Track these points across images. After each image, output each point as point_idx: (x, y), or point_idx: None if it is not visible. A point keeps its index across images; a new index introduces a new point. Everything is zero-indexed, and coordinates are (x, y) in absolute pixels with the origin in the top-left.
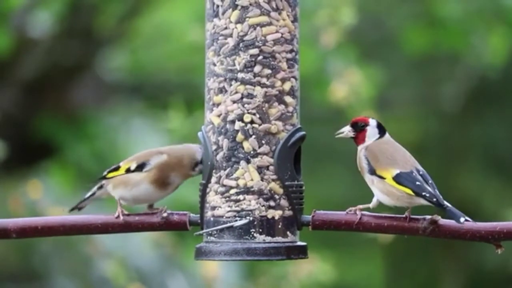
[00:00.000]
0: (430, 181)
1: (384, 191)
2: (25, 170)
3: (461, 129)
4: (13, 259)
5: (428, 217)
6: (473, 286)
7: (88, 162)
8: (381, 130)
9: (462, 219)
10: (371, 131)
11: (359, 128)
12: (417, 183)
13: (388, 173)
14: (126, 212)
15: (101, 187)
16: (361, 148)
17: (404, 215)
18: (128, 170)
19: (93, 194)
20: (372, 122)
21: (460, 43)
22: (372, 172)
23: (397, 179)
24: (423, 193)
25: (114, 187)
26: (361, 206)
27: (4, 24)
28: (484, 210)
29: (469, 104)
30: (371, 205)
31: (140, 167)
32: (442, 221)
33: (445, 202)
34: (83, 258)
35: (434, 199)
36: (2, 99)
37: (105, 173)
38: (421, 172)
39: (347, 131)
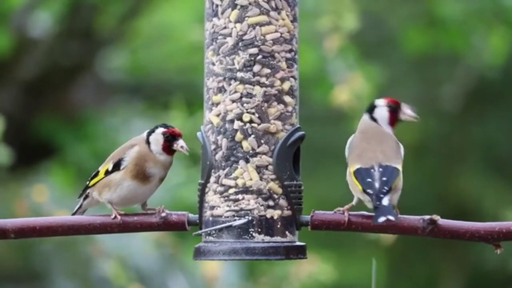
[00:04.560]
0: (384, 178)
1: (349, 184)
2: (25, 170)
3: (461, 129)
4: (13, 259)
5: (427, 217)
6: (473, 286)
7: (88, 162)
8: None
9: (381, 219)
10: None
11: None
12: (368, 179)
13: (352, 167)
14: (122, 212)
15: (86, 197)
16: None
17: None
18: (107, 172)
19: (80, 206)
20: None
21: (460, 43)
22: (347, 165)
23: (355, 174)
24: (368, 190)
25: (99, 192)
26: (347, 206)
27: (4, 24)
28: (484, 210)
29: (469, 104)
30: (354, 202)
31: (117, 166)
32: (441, 221)
33: (382, 202)
34: (83, 259)
35: (373, 197)
36: (2, 99)
37: (87, 182)
38: (381, 168)
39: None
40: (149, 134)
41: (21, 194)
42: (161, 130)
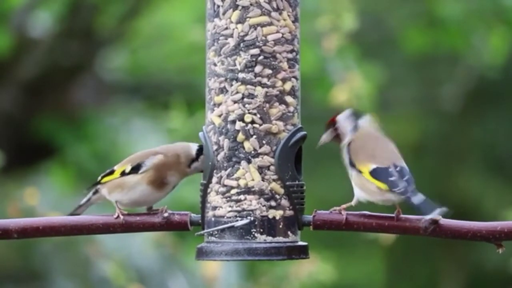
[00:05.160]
0: (406, 177)
1: (359, 185)
2: (25, 171)
3: (461, 129)
4: (13, 259)
5: (429, 216)
6: (473, 286)
7: (88, 162)
8: (357, 117)
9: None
10: (343, 126)
11: (332, 129)
12: (391, 178)
13: (366, 167)
14: (125, 212)
15: (96, 192)
16: (344, 144)
17: (393, 214)
18: (123, 173)
19: (89, 200)
20: (341, 117)
21: (460, 43)
22: (353, 166)
23: (373, 173)
24: (395, 189)
25: (109, 191)
26: (344, 206)
27: (4, 24)
28: (484, 210)
29: (469, 104)
30: (353, 203)
31: (135, 169)
32: (443, 220)
33: (416, 198)
34: (83, 259)
35: (404, 195)
36: (2, 99)
37: (99, 178)
38: (398, 168)
39: (324, 136)
40: (200, 153)
41: (15, 196)
42: None
